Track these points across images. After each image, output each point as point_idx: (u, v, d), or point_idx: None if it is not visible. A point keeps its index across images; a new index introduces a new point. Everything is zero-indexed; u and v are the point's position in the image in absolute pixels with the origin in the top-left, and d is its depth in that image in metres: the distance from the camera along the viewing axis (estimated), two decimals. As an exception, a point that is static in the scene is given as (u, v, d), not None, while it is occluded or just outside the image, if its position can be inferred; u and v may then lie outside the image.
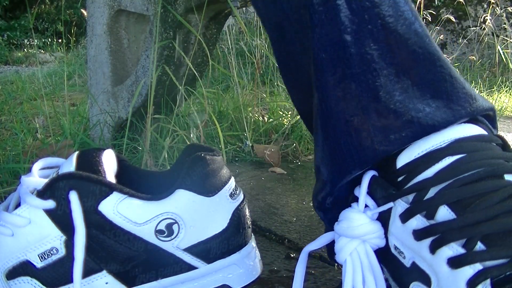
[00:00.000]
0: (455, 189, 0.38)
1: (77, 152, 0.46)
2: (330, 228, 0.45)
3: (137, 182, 0.50)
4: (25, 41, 6.11)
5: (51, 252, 0.43)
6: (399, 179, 0.41)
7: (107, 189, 0.42)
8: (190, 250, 0.45)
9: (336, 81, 0.41)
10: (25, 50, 5.40)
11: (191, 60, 0.95)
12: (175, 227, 0.44)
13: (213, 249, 0.46)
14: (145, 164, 0.88)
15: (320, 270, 0.56)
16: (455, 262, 0.35)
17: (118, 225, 0.43)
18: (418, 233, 0.38)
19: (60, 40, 4.98)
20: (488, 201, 0.37)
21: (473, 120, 0.42)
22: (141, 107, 0.98)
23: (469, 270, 0.35)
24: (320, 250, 0.61)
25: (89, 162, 0.45)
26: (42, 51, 4.95)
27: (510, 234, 0.36)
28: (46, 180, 0.44)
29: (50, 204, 0.42)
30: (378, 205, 0.41)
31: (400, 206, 0.39)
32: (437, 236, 0.37)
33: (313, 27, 0.42)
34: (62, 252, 0.43)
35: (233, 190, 0.46)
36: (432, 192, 0.38)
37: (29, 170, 0.46)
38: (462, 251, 0.36)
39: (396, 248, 0.40)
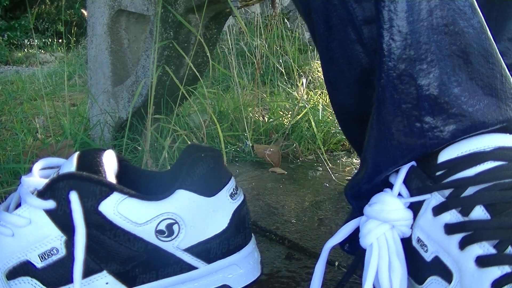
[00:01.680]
0: (493, 191, 0.39)
1: (77, 153, 0.46)
2: (358, 214, 0.45)
3: (137, 182, 0.50)
4: (26, 41, 6.11)
5: (52, 252, 0.43)
6: (438, 173, 0.41)
7: (108, 189, 0.42)
8: (190, 250, 0.45)
9: (395, 70, 0.42)
10: (26, 50, 5.40)
11: (192, 60, 0.96)
12: (175, 227, 0.44)
13: (214, 249, 0.46)
14: (145, 164, 0.88)
15: (320, 270, 0.56)
16: (483, 261, 0.35)
17: (119, 225, 0.43)
18: (450, 227, 0.38)
19: (60, 40, 4.98)
20: None
21: None
22: (141, 107, 0.98)
23: (497, 271, 0.35)
24: (321, 249, 0.61)
25: (89, 162, 0.45)
26: (42, 51, 4.95)
27: None
28: (46, 180, 0.44)
29: (51, 204, 0.43)
30: (412, 195, 0.41)
31: (435, 199, 0.40)
32: (470, 233, 0.37)
33: (379, 18, 0.43)
34: (62, 252, 0.43)
35: (233, 190, 0.46)
36: (470, 191, 0.39)
37: (29, 170, 0.46)
38: (493, 251, 0.36)
39: (419, 240, 0.40)
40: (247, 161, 1.02)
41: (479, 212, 0.39)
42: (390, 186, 0.43)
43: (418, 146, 0.41)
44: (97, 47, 1.07)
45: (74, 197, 0.42)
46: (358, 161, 1.03)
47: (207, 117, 1.05)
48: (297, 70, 1.72)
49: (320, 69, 1.80)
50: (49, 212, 0.43)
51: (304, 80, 1.41)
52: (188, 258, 0.45)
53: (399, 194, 0.42)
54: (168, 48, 0.93)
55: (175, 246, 0.44)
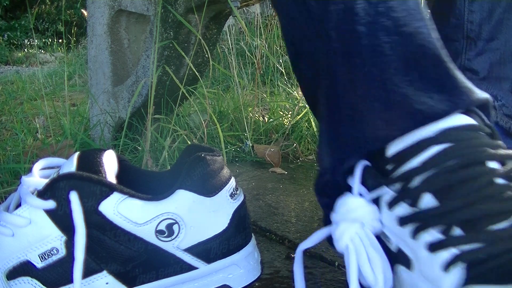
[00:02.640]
0: (438, 177, 0.40)
1: (78, 153, 0.46)
2: (329, 218, 0.47)
3: (137, 182, 0.50)
4: (26, 41, 6.11)
5: (52, 252, 0.43)
6: (389, 167, 0.42)
7: (108, 190, 0.42)
8: (190, 250, 0.45)
9: (346, 70, 0.43)
10: (26, 50, 5.40)
11: (192, 60, 0.96)
12: (175, 227, 0.44)
13: (214, 249, 0.46)
14: (145, 164, 0.88)
15: (320, 270, 0.56)
16: (433, 247, 0.38)
17: (119, 226, 0.43)
18: (402, 219, 0.40)
19: (60, 40, 4.98)
20: (467, 188, 0.39)
21: (468, 111, 0.44)
22: (141, 107, 0.98)
23: (445, 254, 0.37)
24: (321, 250, 0.61)
25: (90, 162, 0.45)
26: (42, 51, 4.95)
27: (486, 220, 0.38)
28: (46, 180, 0.44)
29: (51, 204, 0.43)
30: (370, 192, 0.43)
31: (387, 194, 0.41)
32: (419, 222, 0.39)
33: (329, 17, 0.44)
34: (62, 252, 0.43)
35: (233, 190, 0.47)
36: (417, 181, 0.40)
37: (29, 170, 0.46)
38: (440, 236, 0.38)
39: (383, 234, 0.42)
40: (247, 161, 1.02)
41: (428, 200, 0.40)
42: (350, 189, 0.44)
43: (370, 144, 0.43)
44: (97, 47, 1.08)
45: (74, 197, 0.42)
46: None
47: (207, 117, 1.05)
48: (297, 70, 1.72)
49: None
50: (49, 212, 0.43)
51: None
52: (188, 258, 0.45)
53: (361, 195, 0.43)
54: (168, 48, 0.93)
55: (175, 246, 0.44)
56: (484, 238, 0.37)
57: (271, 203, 0.77)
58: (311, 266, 0.57)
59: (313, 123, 1.09)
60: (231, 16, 1.14)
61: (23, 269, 0.43)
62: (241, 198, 0.47)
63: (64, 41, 4.50)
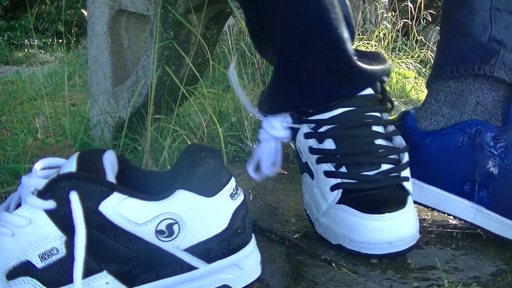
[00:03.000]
0: (338, 130, 0.62)
1: (78, 153, 0.46)
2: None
3: (137, 182, 0.50)
4: (26, 41, 6.10)
5: (52, 252, 0.43)
6: (310, 111, 0.65)
7: (108, 190, 0.43)
8: (190, 250, 0.45)
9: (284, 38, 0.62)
10: (26, 50, 5.40)
11: (192, 60, 0.95)
12: (175, 227, 0.44)
13: (214, 249, 0.46)
14: (145, 164, 0.88)
15: (320, 270, 0.56)
16: (327, 174, 0.61)
17: (119, 226, 0.43)
18: (311, 149, 0.64)
19: (60, 40, 4.98)
20: (355, 143, 0.62)
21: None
22: (141, 107, 0.98)
23: (333, 180, 0.61)
24: (321, 250, 0.61)
25: (90, 162, 0.45)
26: (42, 51, 4.95)
27: (362, 167, 0.61)
28: (46, 181, 0.44)
29: (51, 204, 0.43)
30: (293, 123, 0.66)
31: (305, 128, 0.65)
32: (321, 155, 0.63)
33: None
34: (62, 252, 0.43)
35: (233, 190, 0.47)
36: (324, 128, 0.63)
37: (29, 170, 0.46)
38: (332, 169, 0.62)
39: (298, 149, 0.67)
40: (247, 161, 1.01)
41: (329, 143, 0.63)
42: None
43: (301, 104, 0.65)
44: (97, 47, 1.08)
45: (74, 197, 0.42)
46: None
47: (207, 117, 1.05)
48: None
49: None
50: (49, 212, 0.43)
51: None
52: (188, 258, 0.45)
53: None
54: (168, 48, 0.93)
55: (175, 246, 0.44)
56: (357, 178, 0.60)
57: (271, 203, 0.77)
58: (311, 266, 0.57)
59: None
60: (231, 16, 1.14)
61: (23, 269, 0.43)
62: (241, 198, 0.47)
63: (64, 41, 4.49)
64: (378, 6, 2.68)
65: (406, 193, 0.61)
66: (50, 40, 5.56)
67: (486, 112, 0.67)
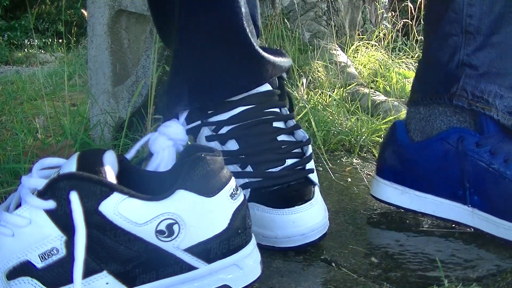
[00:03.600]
0: (240, 130, 0.62)
1: (78, 153, 0.46)
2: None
3: (137, 182, 0.50)
4: (26, 41, 6.10)
5: (52, 252, 0.43)
6: (209, 112, 0.64)
7: (108, 190, 0.42)
8: (190, 250, 0.45)
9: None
10: (26, 50, 5.40)
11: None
12: (175, 227, 0.44)
13: (214, 249, 0.46)
14: (145, 165, 0.88)
15: (320, 270, 0.56)
16: (234, 175, 0.51)
17: (119, 226, 0.43)
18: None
19: (60, 40, 4.98)
20: (257, 141, 0.62)
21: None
22: (141, 107, 0.98)
23: (241, 181, 0.61)
24: (321, 250, 0.61)
25: (90, 162, 0.45)
26: (42, 51, 4.94)
27: (267, 164, 0.62)
28: (46, 181, 0.44)
29: (51, 204, 0.43)
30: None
31: (206, 130, 0.64)
32: (226, 157, 0.58)
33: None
34: (62, 252, 0.43)
35: (233, 190, 0.47)
36: (225, 130, 0.63)
37: (29, 170, 0.46)
38: (239, 169, 0.62)
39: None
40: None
41: (232, 144, 0.63)
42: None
43: (197, 100, 0.63)
44: (97, 47, 1.08)
45: (74, 197, 0.42)
46: (358, 161, 1.03)
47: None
48: (297, 70, 1.72)
49: (320, 69, 1.80)
50: (49, 212, 0.43)
51: (304, 80, 1.41)
52: (188, 258, 0.45)
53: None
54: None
55: (175, 246, 0.44)
56: (262, 176, 0.61)
57: (271, 203, 0.77)
58: (311, 266, 0.57)
59: (313, 123, 1.09)
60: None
61: (23, 269, 0.43)
62: (241, 198, 0.47)
63: (64, 41, 4.49)
64: (378, 6, 2.68)
65: (312, 184, 0.62)
66: (50, 40, 5.56)
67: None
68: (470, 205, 0.66)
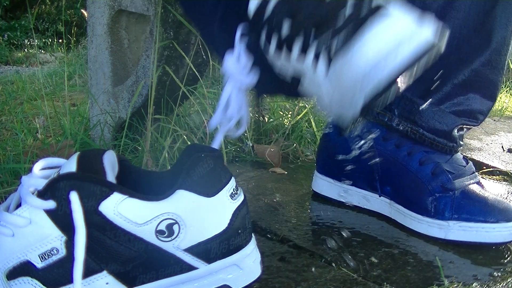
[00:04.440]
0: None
1: (78, 153, 0.46)
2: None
3: (137, 182, 0.50)
4: (26, 41, 6.09)
5: (52, 252, 0.43)
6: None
7: (108, 190, 0.42)
8: (190, 250, 0.45)
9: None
10: (26, 50, 5.39)
11: (192, 60, 0.95)
12: (175, 227, 0.44)
13: (214, 249, 0.46)
14: (145, 165, 0.88)
15: (320, 270, 0.56)
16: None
17: (119, 226, 0.43)
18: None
19: (60, 40, 4.98)
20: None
21: None
22: (141, 107, 0.98)
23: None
24: (321, 250, 0.61)
25: (90, 162, 0.45)
26: (42, 51, 4.94)
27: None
28: (46, 181, 0.44)
29: (51, 204, 0.43)
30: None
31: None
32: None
33: None
34: (62, 252, 0.43)
35: (233, 191, 0.47)
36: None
37: (29, 170, 0.46)
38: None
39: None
40: (247, 161, 1.01)
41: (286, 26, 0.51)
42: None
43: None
44: (97, 47, 1.08)
45: (74, 197, 0.42)
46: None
47: (207, 117, 1.05)
48: (297, 70, 1.72)
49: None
50: (49, 212, 0.43)
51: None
52: (188, 258, 0.45)
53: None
54: (168, 48, 0.93)
55: (175, 246, 0.44)
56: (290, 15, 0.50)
57: (271, 203, 0.77)
58: (311, 266, 0.57)
59: (313, 123, 1.09)
60: (231, 16, 1.13)
61: (23, 269, 0.43)
62: (241, 198, 0.47)
63: (64, 41, 4.49)
64: (378, 6, 2.67)
65: None
66: (50, 40, 5.55)
67: None
68: (382, 195, 0.71)
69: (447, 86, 0.70)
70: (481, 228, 0.63)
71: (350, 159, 0.74)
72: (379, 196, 0.72)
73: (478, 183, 0.69)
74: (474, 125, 0.73)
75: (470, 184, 0.67)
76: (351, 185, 0.75)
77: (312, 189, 0.81)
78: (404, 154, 0.69)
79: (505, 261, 0.60)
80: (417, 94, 0.70)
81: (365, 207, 0.74)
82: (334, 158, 0.75)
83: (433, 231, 0.65)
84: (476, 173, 0.70)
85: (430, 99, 0.69)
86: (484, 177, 0.94)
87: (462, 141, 0.71)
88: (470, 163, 0.70)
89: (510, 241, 0.63)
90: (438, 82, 0.69)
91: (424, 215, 0.66)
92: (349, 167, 0.74)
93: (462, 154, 0.72)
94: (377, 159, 0.71)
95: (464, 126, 0.71)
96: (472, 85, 0.70)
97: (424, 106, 0.69)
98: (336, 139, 0.76)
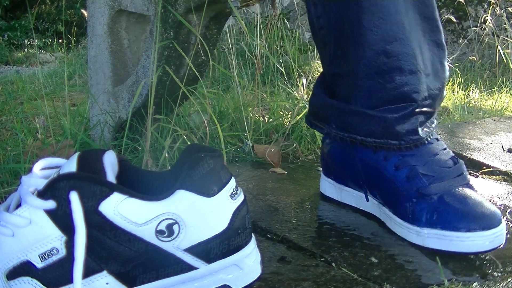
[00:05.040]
0: None
1: (78, 153, 0.46)
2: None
3: (137, 182, 0.50)
4: (26, 41, 6.09)
5: (52, 252, 0.43)
6: None
7: (108, 190, 0.42)
8: (190, 250, 0.45)
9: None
10: (26, 50, 5.39)
11: (192, 60, 0.95)
12: (175, 227, 0.44)
13: (214, 249, 0.46)
14: (145, 165, 0.88)
15: (320, 270, 0.56)
16: None
17: (119, 226, 0.43)
18: None
19: (60, 40, 4.97)
20: None
21: None
22: (141, 107, 0.98)
23: None
24: (321, 250, 0.61)
25: (90, 162, 0.45)
26: (42, 51, 4.94)
27: None
28: (46, 181, 0.44)
29: (51, 204, 0.43)
30: None
31: None
32: None
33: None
34: (62, 252, 0.43)
35: (233, 190, 0.47)
36: None
37: (29, 170, 0.46)
38: None
39: None
40: (247, 161, 1.01)
41: None
42: None
43: None
44: (97, 47, 1.08)
45: (74, 197, 0.42)
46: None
47: (207, 117, 1.05)
48: (297, 70, 1.72)
49: (320, 69, 1.79)
50: (49, 212, 0.43)
51: (304, 80, 1.41)
52: (188, 258, 0.45)
53: None
54: (168, 48, 0.93)
55: (175, 246, 0.44)
56: None
57: (271, 203, 0.77)
58: (311, 266, 0.57)
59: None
60: (231, 16, 1.13)
61: (23, 269, 0.43)
62: (241, 198, 0.47)
63: (64, 41, 4.49)
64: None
65: None
66: (50, 40, 5.55)
67: None
68: (372, 198, 0.71)
69: (361, 80, 0.66)
70: (455, 237, 0.59)
71: (340, 162, 0.73)
72: (367, 200, 0.71)
73: (467, 185, 0.64)
74: (422, 109, 0.66)
75: (453, 187, 0.62)
76: (347, 186, 0.75)
77: (320, 191, 0.81)
78: (381, 159, 0.67)
79: (505, 261, 0.60)
80: (342, 99, 0.69)
81: (361, 208, 0.74)
82: (332, 159, 0.75)
83: (411, 237, 0.63)
84: (466, 174, 0.65)
85: (351, 102, 0.68)
86: (484, 177, 0.94)
87: (429, 128, 0.67)
88: (460, 163, 0.65)
89: (488, 251, 0.59)
90: (347, 81, 0.68)
91: (404, 220, 0.64)
92: (341, 170, 0.74)
93: (454, 153, 0.69)
94: (358, 163, 0.70)
95: (407, 115, 0.65)
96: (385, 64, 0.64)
97: (346, 109, 0.68)
98: (329, 142, 0.76)
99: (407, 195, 0.63)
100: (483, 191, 0.85)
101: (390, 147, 0.66)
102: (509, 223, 0.71)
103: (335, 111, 0.70)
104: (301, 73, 1.77)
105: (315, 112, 0.76)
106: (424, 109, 0.66)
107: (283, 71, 1.75)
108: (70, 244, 0.43)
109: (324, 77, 0.75)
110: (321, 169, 0.81)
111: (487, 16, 2.76)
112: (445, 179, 0.63)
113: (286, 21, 2.18)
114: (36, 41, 5.69)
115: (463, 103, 1.75)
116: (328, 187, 0.78)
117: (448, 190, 0.62)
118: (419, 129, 0.65)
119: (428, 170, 0.63)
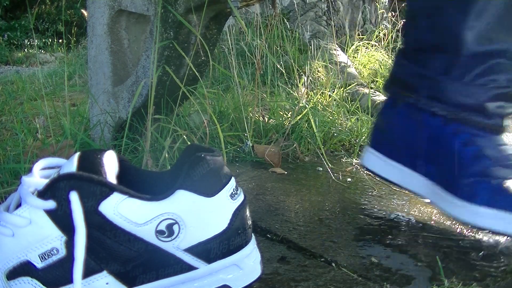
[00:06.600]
0: None
1: (78, 153, 0.46)
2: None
3: (137, 182, 0.50)
4: (26, 41, 6.09)
5: (52, 252, 0.43)
6: None
7: (108, 190, 0.42)
8: (190, 250, 0.45)
9: None
10: (26, 50, 5.39)
11: (192, 60, 0.95)
12: (175, 227, 0.44)
13: (214, 250, 0.46)
14: (145, 165, 0.88)
15: (320, 270, 0.56)
16: None
17: (119, 226, 0.43)
18: None
19: (60, 40, 4.97)
20: None
21: None
22: (141, 107, 0.98)
23: None
24: (321, 250, 0.61)
25: (90, 162, 0.45)
26: (42, 51, 4.94)
27: None
28: (46, 181, 0.44)
29: (51, 204, 0.43)
30: None
31: None
32: None
33: None
34: (62, 252, 0.43)
35: (233, 191, 0.47)
36: None
37: (29, 170, 0.46)
38: None
39: None
40: (247, 161, 1.02)
41: None
42: None
43: None
44: (97, 47, 1.07)
45: (74, 197, 0.42)
46: (358, 161, 1.03)
47: (207, 117, 1.05)
48: (297, 70, 1.72)
49: (320, 69, 1.80)
50: (49, 212, 0.43)
51: (304, 80, 1.41)
52: (188, 258, 0.45)
53: None
54: (168, 48, 0.93)
55: (175, 246, 0.44)
56: None
57: (271, 203, 0.77)
58: (311, 266, 0.57)
59: (313, 123, 1.09)
60: (231, 16, 1.13)
61: (23, 269, 0.43)
62: (241, 198, 0.47)
63: (64, 41, 4.49)
64: (378, 6, 2.68)
65: None
66: (50, 40, 5.55)
67: None
68: (422, 176, 0.69)
69: (466, 58, 0.66)
70: None
71: (398, 134, 0.72)
72: (421, 176, 0.69)
73: None
74: None
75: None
76: (397, 162, 0.73)
77: (361, 163, 0.80)
78: (450, 132, 0.66)
79: (505, 261, 0.60)
80: (440, 72, 0.68)
81: (403, 185, 0.72)
82: (384, 133, 0.74)
83: (466, 215, 0.63)
84: None
85: (453, 74, 0.66)
86: None
87: (508, 121, 0.67)
88: None
89: None
90: (455, 54, 0.66)
91: (461, 198, 0.63)
92: (399, 142, 0.72)
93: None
94: (424, 134, 0.68)
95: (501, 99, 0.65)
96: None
97: (447, 82, 0.66)
98: (390, 110, 0.74)
99: (470, 172, 0.63)
100: None
101: (473, 122, 0.65)
102: None
103: (428, 81, 0.69)
104: (301, 73, 1.77)
105: (401, 81, 0.73)
106: None
107: (283, 71, 1.75)
108: (70, 244, 0.43)
109: (413, 49, 0.73)
110: (321, 169, 0.81)
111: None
112: (510, 168, 0.63)
113: (286, 21, 2.18)
114: (36, 41, 5.69)
115: None
116: (374, 160, 0.76)
117: (508, 179, 0.62)
118: (505, 118, 0.67)
119: (494, 156, 0.64)
